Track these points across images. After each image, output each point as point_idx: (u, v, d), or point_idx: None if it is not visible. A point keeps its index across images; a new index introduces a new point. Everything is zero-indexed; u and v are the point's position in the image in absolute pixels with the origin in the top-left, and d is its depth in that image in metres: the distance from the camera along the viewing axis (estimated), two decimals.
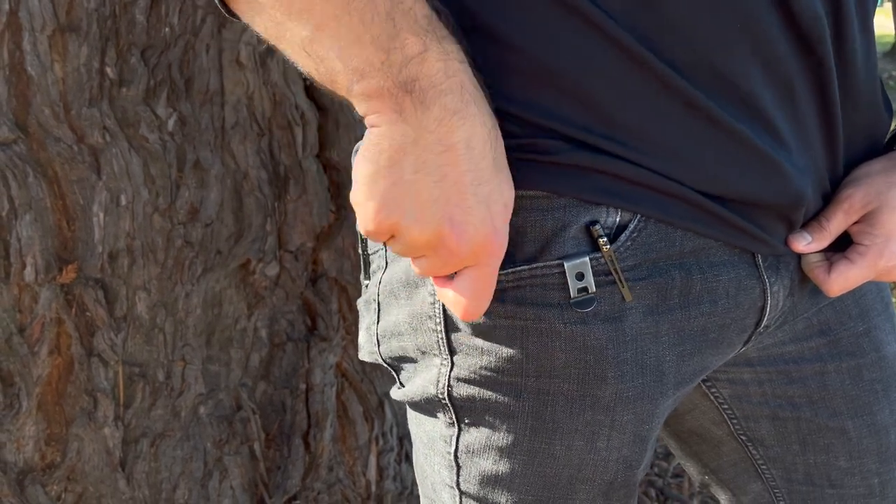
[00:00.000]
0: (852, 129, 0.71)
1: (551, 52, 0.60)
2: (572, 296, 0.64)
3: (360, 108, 0.56)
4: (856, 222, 0.71)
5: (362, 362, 1.55)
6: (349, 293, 1.52)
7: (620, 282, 0.64)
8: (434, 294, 0.68)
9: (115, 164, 1.25)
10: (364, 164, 0.57)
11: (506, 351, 0.66)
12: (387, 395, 1.57)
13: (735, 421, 0.82)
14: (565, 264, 0.63)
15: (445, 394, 0.70)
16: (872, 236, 0.70)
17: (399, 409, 1.59)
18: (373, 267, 0.75)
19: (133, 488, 1.33)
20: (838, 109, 0.68)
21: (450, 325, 0.68)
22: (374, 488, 1.54)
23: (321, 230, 1.50)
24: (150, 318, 1.32)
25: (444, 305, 0.68)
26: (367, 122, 0.57)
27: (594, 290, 0.64)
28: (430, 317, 0.69)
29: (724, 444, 0.84)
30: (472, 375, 0.68)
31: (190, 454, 1.38)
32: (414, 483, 1.59)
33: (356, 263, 1.50)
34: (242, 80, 1.37)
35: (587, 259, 0.63)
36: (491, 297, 0.63)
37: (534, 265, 0.64)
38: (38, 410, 1.25)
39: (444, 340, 0.69)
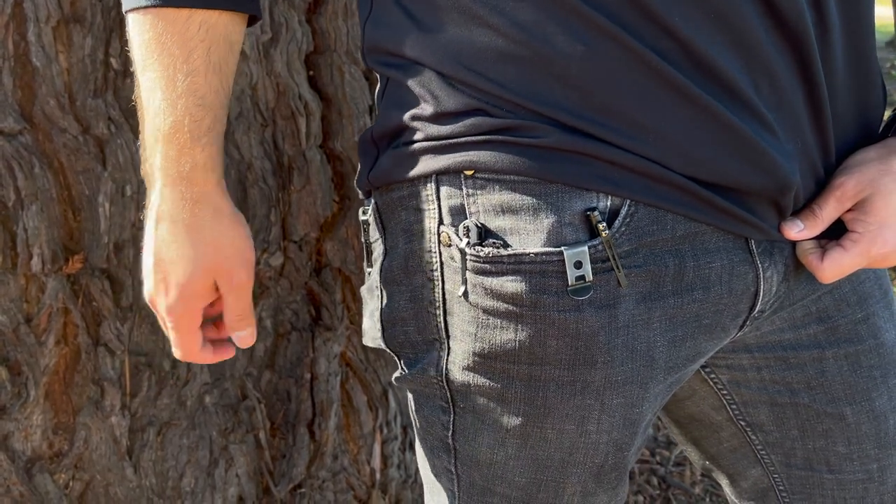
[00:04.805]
0: (845, 115, 0.72)
1: (544, 41, 0.62)
2: (570, 284, 0.65)
3: None
4: (849, 210, 0.71)
5: (366, 351, 1.56)
6: (353, 283, 1.53)
7: (617, 268, 0.65)
8: (433, 280, 0.70)
9: (121, 155, 1.26)
10: None
11: (499, 337, 0.67)
12: (391, 384, 1.58)
13: (734, 406, 0.82)
14: (565, 253, 0.64)
15: (443, 378, 0.71)
16: (865, 224, 0.71)
17: (403, 398, 1.60)
18: (374, 255, 0.77)
19: (140, 477, 1.34)
20: (825, 94, 0.68)
21: (448, 311, 0.70)
22: (378, 476, 1.55)
23: (325, 220, 1.50)
24: None
25: (444, 289, 0.69)
26: None
27: (591, 278, 0.64)
28: (430, 301, 0.70)
29: (723, 430, 0.85)
30: (467, 361, 0.69)
31: (196, 443, 1.39)
32: (418, 471, 1.60)
33: (360, 253, 1.51)
34: (246, 71, 1.38)
35: (586, 248, 0.64)
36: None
37: (533, 251, 0.64)
38: (46, 399, 1.27)
39: (443, 325, 0.70)
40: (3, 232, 1.21)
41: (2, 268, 1.22)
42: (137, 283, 1.30)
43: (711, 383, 0.82)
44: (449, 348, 0.70)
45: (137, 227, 1.28)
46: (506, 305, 0.66)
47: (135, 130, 1.27)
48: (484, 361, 0.68)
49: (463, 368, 0.70)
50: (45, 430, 1.27)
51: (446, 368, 0.71)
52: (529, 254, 0.64)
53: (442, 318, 0.70)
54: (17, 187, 1.20)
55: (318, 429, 1.50)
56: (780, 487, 0.84)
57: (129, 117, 1.27)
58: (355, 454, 1.54)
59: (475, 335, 0.68)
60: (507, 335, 0.67)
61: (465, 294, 0.68)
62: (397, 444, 1.59)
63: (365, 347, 1.55)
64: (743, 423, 0.83)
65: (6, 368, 1.24)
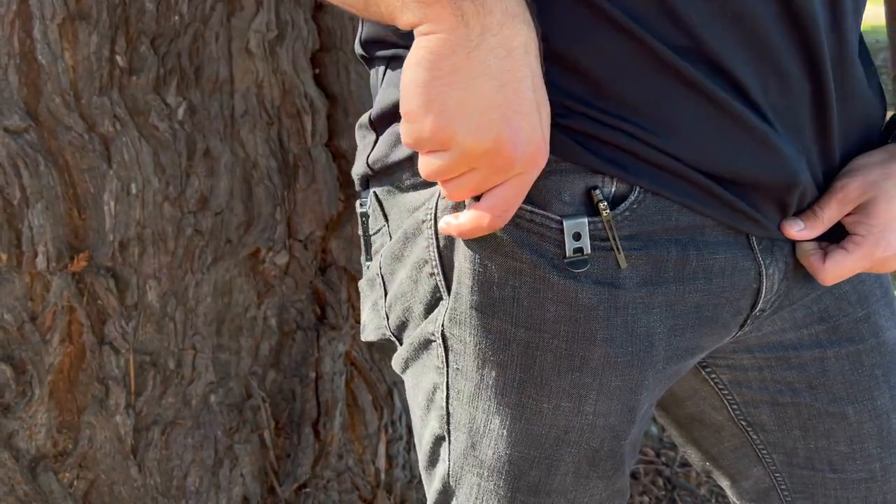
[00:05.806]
0: (848, 120, 0.72)
1: (554, 31, 0.61)
2: (567, 254, 0.64)
3: (414, 16, 0.55)
4: (851, 213, 0.71)
5: (371, 351, 1.55)
6: (358, 282, 1.53)
7: (617, 248, 0.64)
8: (429, 238, 0.68)
9: (126, 153, 1.26)
10: (418, 72, 0.56)
11: (497, 292, 0.66)
12: (395, 384, 1.57)
13: (735, 406, 0.82)
14: (565, 223, 0.63)
15: (439, 334, 0.70)
16: (868, 227, 0.70)
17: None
18: (375, 247, 0.76)
19: (144, 476, 1.34)
20: (832, 99, 0.68)
21: (446, 265, 0.68)
22: (383, 476, 1.55)
23: (330, 219, 1.50)
24: (161, 306, 1.32)
25: (438, 245, 0.68)
26: (419, 31, 0.56)
27: (589, 251, 0.64)
28: (426, 261, 0.69)
29: (724, 430, 0.84)
30: (464, 316, 0.68)
31: (200, 442, 1.38)
32: None
33: None
34: (252, 69, 1.38)
35: (585, 220, 0.63)
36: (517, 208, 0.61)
37: (535, 210, 0.64)
38: (51, 398, 1.26)
39: (443, 281, 0.69)
40: (9, 230, 1.21)
41: (7, 266, 1.22)
42: (142, 282, 1.30)
43: (712, 383, 0.81)
44: (448, 304, 0.69)
45: (142, 226, 1.28)
46: (507, 258, 0.65)
47: (140, 128, 1.27)
48: (482, 317, 0.67)
49: (460, 323, 0.69)
50: (49, 428, 1.27)
51: (443, 324, 0.70)
52: (533, 210, 0.63)
53: (440, 274, 0.69)
54: (23, 185, 1.20)
55: (323, 428, 1.49)
56: (783, 487, 0.84)
57: (134, 115, 1.27)
58: (360, 454, 1.53)
59: (471, 287, 0.66)
60: (505, 290, 0.66)
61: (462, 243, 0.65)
62: (402, 444, 1.59)
63: (370, 346, 1.55)
64: (744, 423, 0.82)
65: (11, 367, 1.24)
